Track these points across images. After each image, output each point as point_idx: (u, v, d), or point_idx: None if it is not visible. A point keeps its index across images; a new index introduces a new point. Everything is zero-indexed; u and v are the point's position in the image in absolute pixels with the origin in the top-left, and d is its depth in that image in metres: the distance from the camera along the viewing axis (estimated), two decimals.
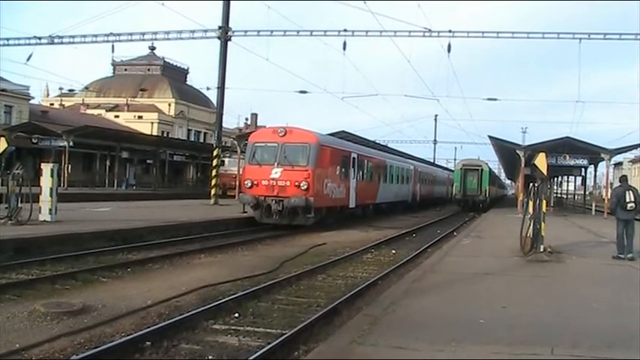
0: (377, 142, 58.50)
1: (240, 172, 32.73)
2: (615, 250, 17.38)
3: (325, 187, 27.20)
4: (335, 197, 28.66)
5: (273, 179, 25.75)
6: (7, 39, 37.13)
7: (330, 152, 28.01)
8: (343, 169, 29.95)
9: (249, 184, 26.28)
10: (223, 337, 9.06)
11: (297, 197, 25.03)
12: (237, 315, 10.36)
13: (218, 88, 31.75)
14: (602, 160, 42.91)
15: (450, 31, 33.27)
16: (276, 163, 25.98)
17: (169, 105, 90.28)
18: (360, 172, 33.18)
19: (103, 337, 8.77)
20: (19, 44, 36.98)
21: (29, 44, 36.65)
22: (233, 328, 9.55)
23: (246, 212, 27.86)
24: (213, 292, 12.29)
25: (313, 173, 25.84)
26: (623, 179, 18.13)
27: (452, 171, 77.96)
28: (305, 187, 25.33)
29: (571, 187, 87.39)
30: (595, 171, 54.77)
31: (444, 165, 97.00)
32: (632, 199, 16.92)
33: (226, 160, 50.12)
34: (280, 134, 26.57)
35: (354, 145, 34.84)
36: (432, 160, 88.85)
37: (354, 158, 31.62)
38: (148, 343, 8.39)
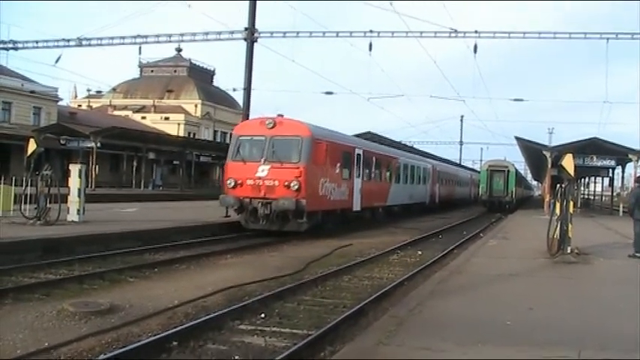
0: (402, 142, 58.43)
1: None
2: (631, 249, 17.71)
3: (321, 188, 23.86)
4: (334, 199, 25.38)
5: (259, 178, 22.47)
6: (37, 41, 37.52)
7: (328, 147, 24.29)
8: (345, 167, 26.69)
9: (232, 184, 22.96)
10: (249, 338, 9.08)
11: (286, 199, 21.71)
12: (263, 315, 10.38)
13: (244, 89, 31.79)
14: (630, 160, 42.50)
15: (476, 32, 33.09)
16: (263, 160, 22.67)
17: (196, 106, 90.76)
18: (367, 171, 30.12)
19: (130, 336, 8.84)
20: (47, 46, 37.39)
21: (58, 46, 37.04)
22: (259, 328, 9.58)
23: (229, 216, 25.17)
24: (239, 292, 12.33)
25: (306, 171, 22.47)
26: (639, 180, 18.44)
27: (476, 171, 77.69)
28: (296, 187, 22.00)
29: (598, 188, 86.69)
30: (623, 172, 54.33)
31: (469, 166, 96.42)
32: None
33: None
34: (268, 126, 23.27)
35: (359, 140, 32.08)
36: (457, 161, 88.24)
37: (358, 155, 28.33)
38: (175, 343, 8.44)
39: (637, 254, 17.36)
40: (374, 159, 31.33)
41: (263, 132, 23.30)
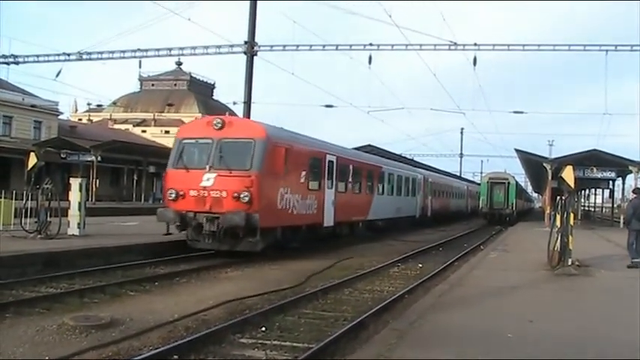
0: (402, 155, 58.41)
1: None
2: (629, 259, 18.25)
3: (280, 200, 20.42)
4: (299, 213, 21.79)
5: (204, 188, 19.24)
6: (37, 55, 37.59)
7: (289, 152, 20.70)
8: (313, 176, 23.25)
9: (174, 196, 19.67)
10: (250, 351, 9.08)
11: (235, 213, 18.51)
12: (264, 329, 10.37)
13: (244, 102, 31.82)
14: (630, 172, 42.59)
15: (475, 44, 33.15)
16: (208, 167, 19.41)
17: (196, 119, 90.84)
18: (343, 181, 26.77)
19: (131, 350, 8.82)
20: (48, 60, 37.46)
21: (58, 60, 37.13)
22: (260, 342, 9.56)
23: (170, 234, 21.46)
24: (240, 305, 12.32)
25: (259, 180, 19.13)
26: (638, 191, 18.77)
27: (473, 183, 77.64)
28: (246, 198, 18.73)
29: (599, 200, 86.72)
30: (623, 183, 54.44)
31: (469, 178, 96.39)
32: None
33: None
34: (216, 127, 19.96)
35: (332, 145, 27.41)
36: (457, 173, 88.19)
37: (330, 162, 24.85)
38: (176, 356, 8.43)
39: (634, 260, 17.90)
40: (351, 167, 27.91)
41: (210, 134, 20.04)
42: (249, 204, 18.75)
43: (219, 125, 19.96)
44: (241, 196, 18.78)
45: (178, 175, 20.06)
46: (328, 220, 24.62)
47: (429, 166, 61.45)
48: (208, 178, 19.25)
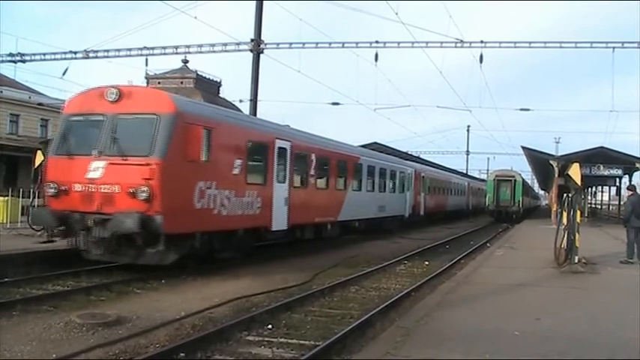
0: (408, 153, 58.24)
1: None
2: (625, 255, 18.38)
3: (199, 197, 15.40)
4: (231, 214, 16.91)
5: (91, 181, 14.51)
6: (44, 54, 37.59)
7: (214, 134, 15.95)
8: (254, 167, 18.45)
9: (53, 191, 14.93)
10: (257, 349, 9.08)
11: (125, 215, 13.84)
12: (270, 326, 10.38)
13: (251, 100, 31.80)
14: (637, 169, 42.40)
15: (481, 42, 33.01)
16: (96, 153, 14.63)
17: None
18: (302, 174, 21.86)
19: (138, 348, 8.83)
20: (55, 59, 37.45)
21: (65, 59, 37.08)
22: (266, 339, 9.57)
23: (52, 241, 16.74)
24: (246, 303, 12.33)
25: (163, 169, 14.19)
26: (633, 188, 18.95)
27: (476, 179, 77.33)
28: (144, 195, 13.96)
29: (605, 198, 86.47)
30: (630, 181, 53.97)
31: (475, 175, 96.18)
32: None
33: None
34: (111, 99, 15.05)
35: (287, 129, 22.46)
36: (463, 171, 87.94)
37: (282, 149, 19.87)
38: (182, 354, 8.44)
39: (630, 260, 17.93)
40: (313, 157, 22.43)
41: (102, 108, 15.14)
42: (148, 202, 13.95)
43: (115, 97, 15.03)
44: (138, 191, 13.97)
45: (60, 163, 15.25)
46: (279, 223, 19.70)
47: (427, 161, 58.11)
48: (96, 168, 14.53)
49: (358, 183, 28.10)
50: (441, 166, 62.62)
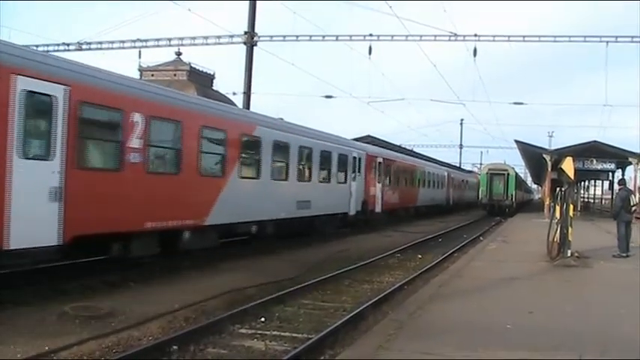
0: (401, 146, 58.10)
1: None
2: (617, 250, 18.45)
3: None
4: None
5: None
6: (37, 46, 37.41)
7: None
8: None
9: None
10: (250, 342, 9.10)
11: None
12: (263, 319, 10.40)
13: (244, 93, 31.76)
14: (630, 164, 42.53)
15: (475, 35, 33.04)
16: None
17: None
18: (109, 146, 13.19)
19: (131, 340, 8.85)
20: (47, 51, 37.33)
21: (57, 50, 36.92)
22: (259, 332, 9.60)
23: None
24: (239, 296, 12.34)
25: None
26: (623, 182, 19.00)
27: (460, 169, 77.27)
28: None
29: (598, 192, 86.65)
30: (623, 175, 54.20)
31: (469, 169, 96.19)
32: (636, 202, 17.93)
33: None
34: None
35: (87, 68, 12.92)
36: (457, 164, 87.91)
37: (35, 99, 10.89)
38: (175, 347, 8.46)
39: (623, 254, 18.06)
40: (138, 119, 13.54)
41: None
42: None
43: None
44: None
45: None
46: (31, 235, 10.95)
47: (394, 145, 50.31)
48: None
49: (253, 167, 19.07)
50: (415, 152, 57.25)
